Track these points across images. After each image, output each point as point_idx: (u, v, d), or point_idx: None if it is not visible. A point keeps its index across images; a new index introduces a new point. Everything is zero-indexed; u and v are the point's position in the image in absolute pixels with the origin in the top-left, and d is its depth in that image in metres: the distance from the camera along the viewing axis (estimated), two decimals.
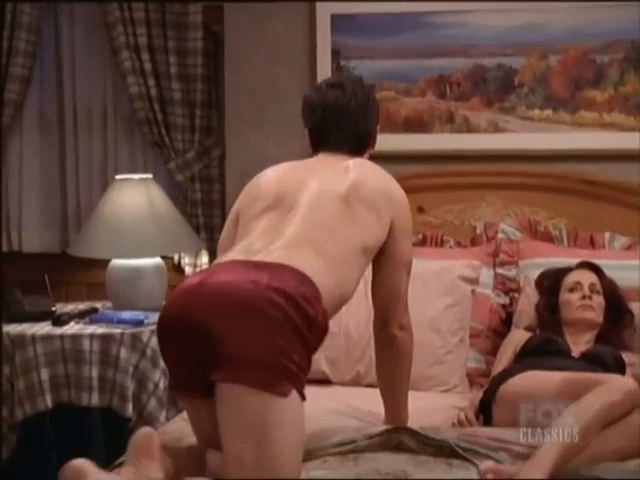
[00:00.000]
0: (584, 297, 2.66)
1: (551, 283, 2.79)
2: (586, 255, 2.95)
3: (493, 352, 2.87)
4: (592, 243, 3.07)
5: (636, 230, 3.05)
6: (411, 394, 2.33)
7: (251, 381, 1.68)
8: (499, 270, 3.04)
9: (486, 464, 1.87)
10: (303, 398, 1.76)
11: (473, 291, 2.95)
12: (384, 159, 2.86)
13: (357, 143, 2.19)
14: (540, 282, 2.86)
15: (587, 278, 2.74)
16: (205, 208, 3.51)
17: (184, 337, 1.76)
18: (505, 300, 3.01)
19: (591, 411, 1.96)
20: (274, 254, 1.86)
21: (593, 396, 2.00)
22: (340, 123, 2.15)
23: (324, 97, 2.17)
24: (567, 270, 2.81)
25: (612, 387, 2.04)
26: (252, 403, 1.67)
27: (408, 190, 3.21)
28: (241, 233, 2.03)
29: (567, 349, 2.57)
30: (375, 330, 2.18)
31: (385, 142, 2.97)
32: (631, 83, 3.15)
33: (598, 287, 2.72)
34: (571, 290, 2.71)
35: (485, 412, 2.38)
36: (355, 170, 2.07)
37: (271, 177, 2.14)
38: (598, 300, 2.70)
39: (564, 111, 3.18)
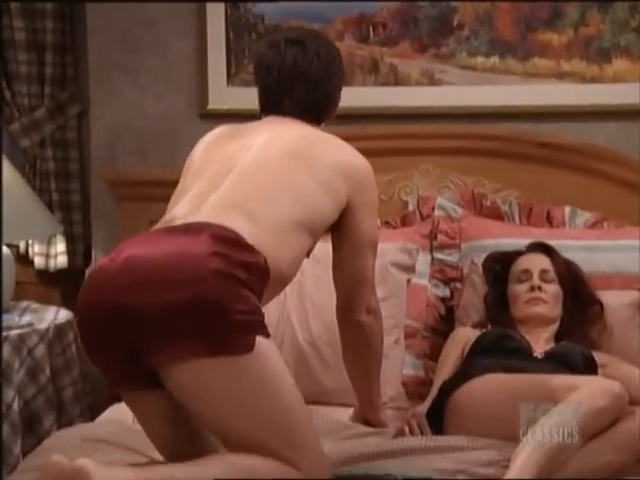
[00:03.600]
0: (532, 288, 2.63)
1: (498, 271, 2.76)
2: (543, 235, 2.90)
3: (432, 356, 2.82)
4: (549, 220, 3.04)
5: (602, 203, 3.02)
6: (335, 411, 2.43)
7: (207, 350, 1.75)
8: (437, 255, 3.00)
9: None
10: (268, 336, 1.84)
11: (409, 281, 2.89)
12: None
13: (314, 111, 2.23)
14: (488, 267, 2.79)
15: (537, 264, 2.69)
16: (60, 181, 3.39)
17: (110, 325, 1.80)
18: (445, 292, 2.96)
19: (572, 421, 1.97)
20: (196, 217, 1.91)
21: (573, 403, 2.00)
22: (296, 87, 2.19)
23: (281, 56, 2.20)
24: (515, 255, 2.76)
25: (595, 392, 2.04)
26: (223, 372, 1.76)
27: None
28: (169, 208, 2.10)
29: (527, 347, 2.52)
30: (339, 317, 2.25)
31: None
32: (594, 23, 3.11)
33: (552, 274, 2.67)
34: (519, 280, 2.68)
35: (434, 425, 2.34)
36: (305, 141, 2.12)
37: (205, 142, 2.23)
38: (551, 290, 2.65)
39: (513, 58, 3.14)
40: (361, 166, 2.18)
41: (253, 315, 1.81)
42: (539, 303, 2.61)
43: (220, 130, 2.24)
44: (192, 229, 1.86)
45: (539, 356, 2.47)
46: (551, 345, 2.55)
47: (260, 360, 1.79)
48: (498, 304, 2.71)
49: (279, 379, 1.83)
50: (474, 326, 2.73)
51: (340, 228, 2.14)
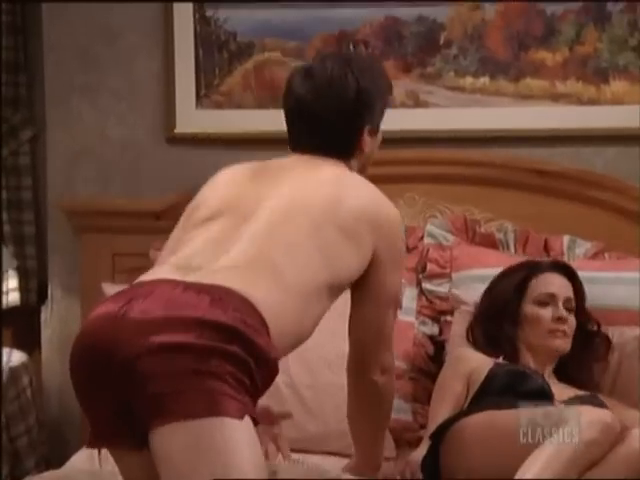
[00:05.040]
0: (559, 319, 2.58)
1: (509, 287, 2.68)
2: None
3: (420, 399, 2.79)
4: (547, 249, 3.00)
5: (602, 234, 3.00)
6: (317, 460, 2.41)
7: (187, 413, 1.74)
8: (427, 285, 2.97)
9: None
10: (255, 423, 1.82)
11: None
12: (267, 144, 2.84)
13: (337, 149, 2.15)
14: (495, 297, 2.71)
15: (563, 289, 2.64)
16: (12, 211, 3.34)
17: (104, 376, 1.80)
18: (433, 329, 2.93)
19: (564, 454, 1.99)
20: (218, 275, 1.88)
21: (563, 437, 2.02)
22: (312, 125, 2.13)
23: (298, 84, 2.14)
24: (536, 270, 2.68)
25: (585, 423, 2.04)
26: (198, 434, 1.75)
27: None
28: (175, 243, 2.07)
29: (549, 391, 2.45)
30: (350, 375, 2.21)
31: (268, 121, 3.01)
32: (591, 41, 3.12)
33: (573, 304, 2.64)
34: (541, 303, 2.61)
35: (430, 465, 2.32)
36: (332, 184, 2.07)
37: (222, 179, 2.16)
38: (572, 322, 2.62)
39: (505, 79, 3.15)
40: (389, 213, 2.14)
41: (243, 394, 1.78)
42: (561, 337, 2.58)
43: (244, 167, 2.17)
44: (216, 299, 1.81)
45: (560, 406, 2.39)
46: (559, 388, 2.49)
47: (238, 427, 1.76)
48: (505, 325, 2.63)
49: (253, 451, 1.80)
50: (478, 347, 2.66)
51: (362, 282, 2.10)
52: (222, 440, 1.75)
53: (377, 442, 2.32)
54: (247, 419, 1.78)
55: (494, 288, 2.71)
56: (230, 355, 1.77)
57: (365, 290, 2.11)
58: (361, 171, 2.21)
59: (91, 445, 1.97)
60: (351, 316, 2.17)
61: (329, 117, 2.10)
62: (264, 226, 1.98)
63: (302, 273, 1.95)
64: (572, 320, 2.60)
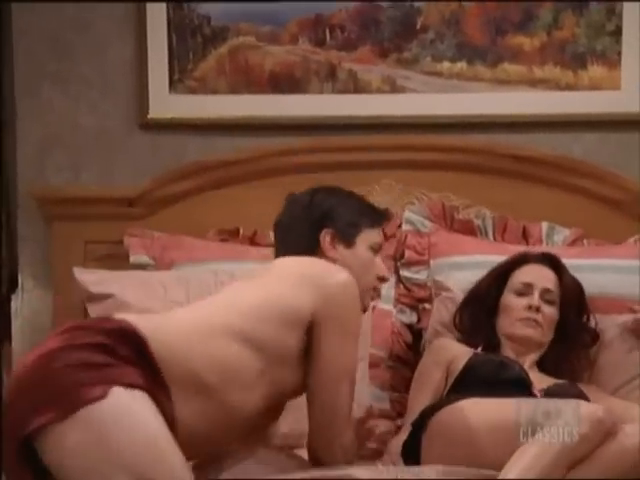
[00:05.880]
0: (530, 307, 2.59)
1: (492, 278, 2.71)
2: (520, 252, 2.83)
3: (398, 388, 2.80)
4: (526, 236, 3.03)
5: (580, 220, 3.01)
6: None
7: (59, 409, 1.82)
8: (404, 273, 2.98)
9: None
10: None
11: (374, 308, 2.79)
12: (242, 129, 2.97)
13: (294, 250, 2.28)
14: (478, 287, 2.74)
15: (542, 280, 2.65)
16: None
17: None
18: (411, 317, 2.93)
19: (552, 449, 1.99)
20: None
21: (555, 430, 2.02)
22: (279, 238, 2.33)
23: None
24: (521, 261, 2.70)
25: (575, 417, 2.05)
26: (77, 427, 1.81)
27: (275, 171, 3.15)
28: None
29: (527, 380, 2.46)
30: (309, 452, 2.16)
31: (242, 106, 3.09)
32: (568, 26, 3.13)
33: (554, 295, 2.64)
34: (518, 293, 2.64)
35: (411, 454, 2.30)
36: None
37: None
38: (549, 313, 2.61)
39: (482, 64, 3.15)
40: (333, 277, 2.12)
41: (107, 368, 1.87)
42: (533, 325, 2.58)
43: None
44: None
45: (538, 395, 2.41)
46: (539, 377, 2.49)
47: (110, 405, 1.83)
48: (485, 314, 2.66)
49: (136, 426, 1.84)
50: (462, 334, 2.68)
51: (308, 353, 2.06)
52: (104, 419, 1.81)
53: None
54: (118, 390, 1.83)
55: (481, 279, 2.72)
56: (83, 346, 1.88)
57: (310, 361, 2.06)
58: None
59: None
60: (306, 393, 2.12)
61: (289, 232, 2.28)
62: None
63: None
64: (551, 311, 2.60)
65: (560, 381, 2.53)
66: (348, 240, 2.25)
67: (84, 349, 1.87)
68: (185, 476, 1.85)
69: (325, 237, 2.23)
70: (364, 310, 2.24)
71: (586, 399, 2.41)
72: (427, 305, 2.88)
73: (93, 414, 1.81)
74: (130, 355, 1.90)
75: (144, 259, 2.88)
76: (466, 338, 2.65)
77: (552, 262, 2.69)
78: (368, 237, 2.26)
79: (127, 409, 1.83)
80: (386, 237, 2.95)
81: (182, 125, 3.08)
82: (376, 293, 2.30)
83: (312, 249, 2.24)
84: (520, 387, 2.40)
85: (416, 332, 2.87)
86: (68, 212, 3.04)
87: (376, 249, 2.28)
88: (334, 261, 2.21)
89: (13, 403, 1.87)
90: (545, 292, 2.61)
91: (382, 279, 2.29)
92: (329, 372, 2.05)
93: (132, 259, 2.89)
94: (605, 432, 2.05)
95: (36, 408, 1.82)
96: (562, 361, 2.61)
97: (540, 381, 2.49)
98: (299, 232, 2.28)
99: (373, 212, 2.33)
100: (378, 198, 3.07)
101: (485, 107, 3.10)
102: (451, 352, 2.58)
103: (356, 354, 2.12)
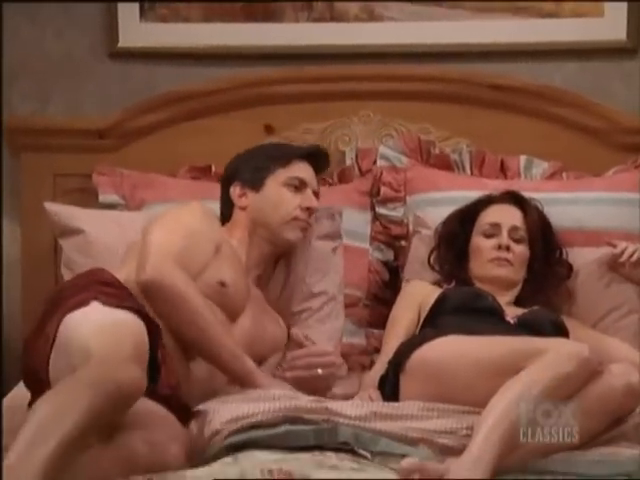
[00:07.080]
0: (499, 247, 2.59)
1: (460, 223, 2.71)
2: (497, 187, 2.85)
3: (375, 324, 2.82)
4: (503, 170, 3.02)
5: (560, 152, 3.01)
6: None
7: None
8: (380, 210, 2.97)
9: (408, 462, 1.86)
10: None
11: (335, 249, 2.76)
12: (215, 58, 2.94)
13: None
14: (450, 223, 2.73)
15: (509, 218, 2.65)
16: None
17: None
18: (388, 255, 2.94)
19: (537, 387, 1.98)
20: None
21: (538, 368, 2.02)
22: None
23: None
24: (485, 203, 2.70)
25: (561, 355, 2.05)
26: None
27: (251, 102, 3.14)
28: None
29: (499, 309, 2.48)
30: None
31: (216, 35, 3.06)
32: None
33: (522, 233, 2.64)
34: (486, 234, 2.64)
35: (388, 393, 2.31)
36: None
37: None
38: (519, 251, 2.62)
39: None
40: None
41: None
42: (504, 264, 2.58)
43: None
44: None
45: (511, 321, 2.43)
46: (513, 309, 2.50)
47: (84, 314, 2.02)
48: (456, 258, 2.67)
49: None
50: (438, 273, 2.68)
51: None
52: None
53: (213, 349, 2.24)
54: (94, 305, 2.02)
55: (447, 223, 2.73)
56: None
57: None
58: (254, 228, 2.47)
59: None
60: None
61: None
62: None
63: None
64: (520, 249, 2.60)
65: (535, 307, 2.54)
66: (256, 184, 2.49)
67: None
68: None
69: (235, 190, 2.51)
70: (294, 242, 2.48)
71: (562, 325, 2.46)
72: (404, 242, 2.88)
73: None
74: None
75: (114, 198, 2.85)
76: (442, 280, 2.65)
77: (517, 200, 2.69)
78: (281, 175, 2.47)
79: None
80: (361, 173, 3.03)
81: (153, 54, 3.03)
82: (304, 223, 2.47)
83: (230, 207, 2.52)
84: (493, 315, 2.42)
85: (393, 269, 2.88)
86: (36, 143, 3.00)
87: (296, 184, 2.47)
88: (244, 209, 2.48)
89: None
90: (513, 230, 2.61)
91: (307, 209, 2.46)
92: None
93: (101, 198, 2.85)
94: (591, 371, 2.05)
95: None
96: (538, 295, 2.61)
97: (515, 311, 2.50)
98: (222, 200, 2.57)
99: (288, 151, 2.55)
100: (355, 129, 3.08)
101: (465, 36, 3.08)
102: (421, 293, 2.59)
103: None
